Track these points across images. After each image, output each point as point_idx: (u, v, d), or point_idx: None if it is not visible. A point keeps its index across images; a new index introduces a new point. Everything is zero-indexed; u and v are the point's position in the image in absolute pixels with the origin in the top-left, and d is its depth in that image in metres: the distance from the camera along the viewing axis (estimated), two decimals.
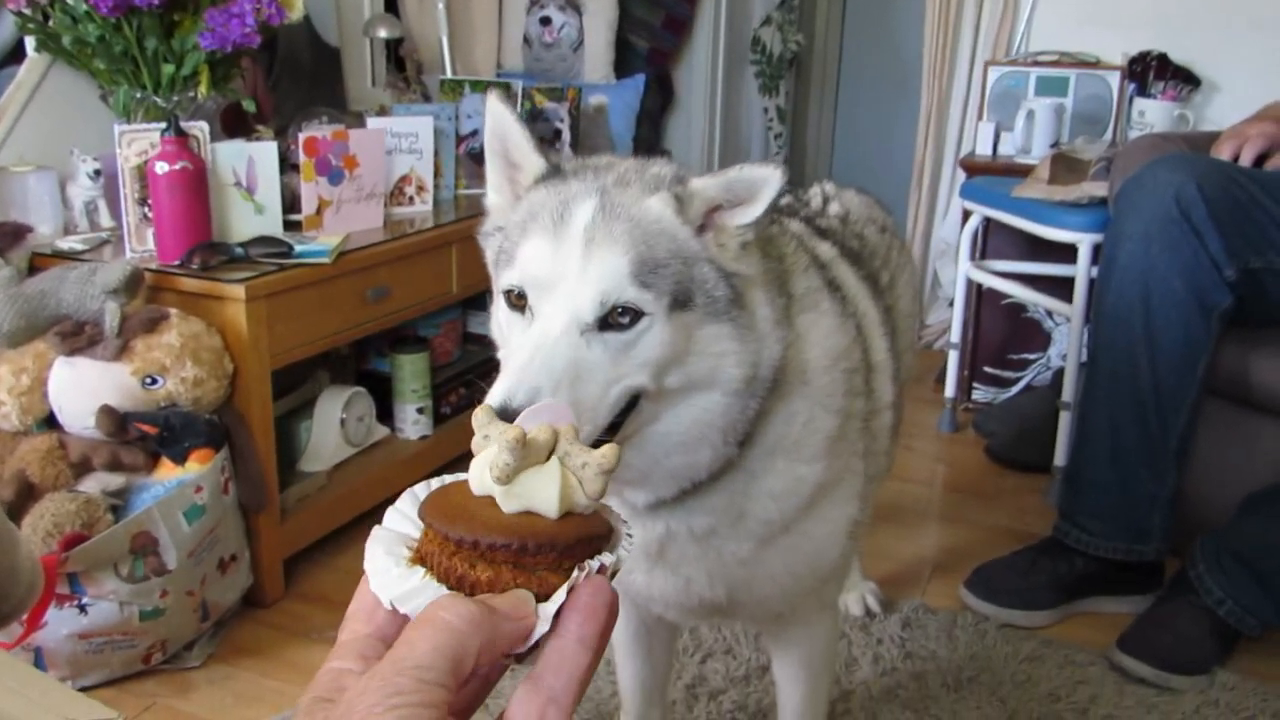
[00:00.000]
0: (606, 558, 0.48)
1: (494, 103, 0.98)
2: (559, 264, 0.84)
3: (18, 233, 1.92)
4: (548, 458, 0.47)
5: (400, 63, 3.24)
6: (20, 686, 0.80)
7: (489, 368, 2.71)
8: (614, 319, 0.83)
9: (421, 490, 0.51)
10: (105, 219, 2.15)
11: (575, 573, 0.46)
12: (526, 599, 0.44)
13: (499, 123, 0.98)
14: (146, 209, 1.97)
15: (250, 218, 2.10)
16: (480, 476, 0.47)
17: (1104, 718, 1.69)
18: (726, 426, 0.92)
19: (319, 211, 2.20)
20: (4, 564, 0.86)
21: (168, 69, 2.10)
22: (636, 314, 0.83)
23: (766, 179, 0.86)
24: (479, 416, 0.49)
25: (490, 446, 0.47)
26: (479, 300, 2.77)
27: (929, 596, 2.05)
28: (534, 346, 0.80)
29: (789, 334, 0.95)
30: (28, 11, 2.08)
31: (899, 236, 1.59)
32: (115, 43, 2.05)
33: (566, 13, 3.56)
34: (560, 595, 0.45)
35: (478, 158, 2.80)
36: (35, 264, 1.96)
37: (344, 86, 3.01)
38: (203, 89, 2.15)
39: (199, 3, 2.11)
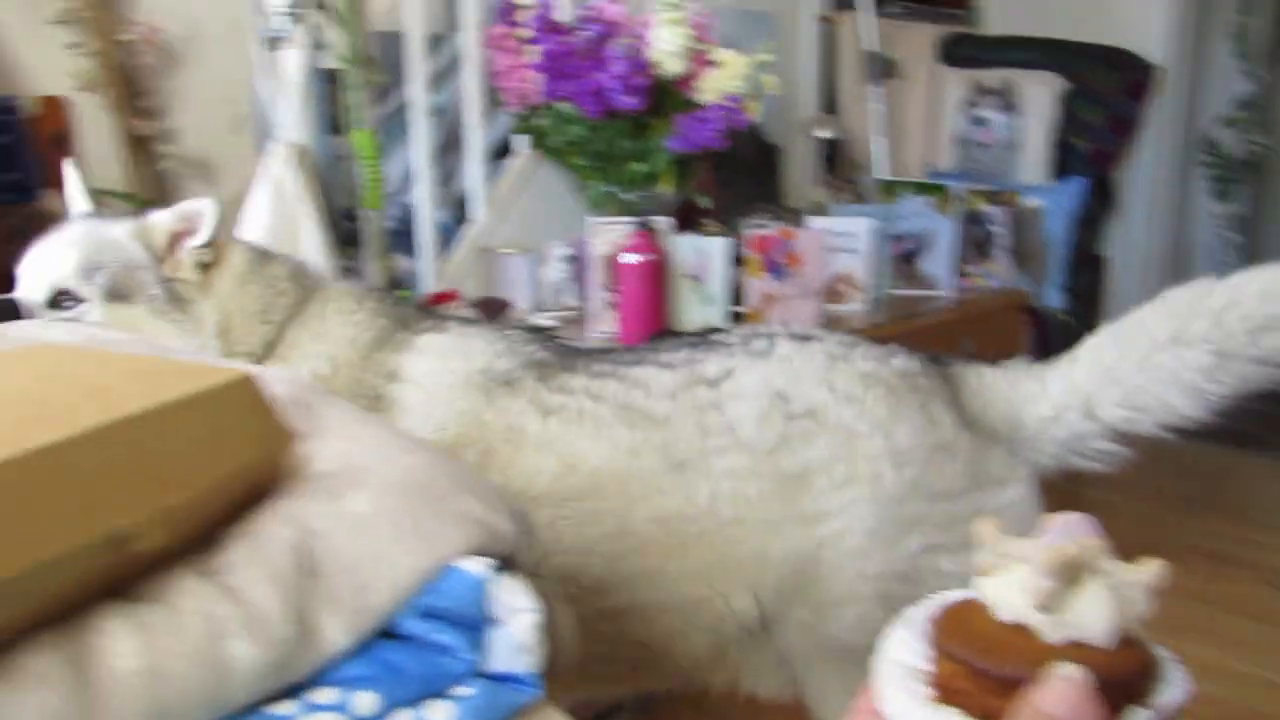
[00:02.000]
0: (1174, 692, 0.42)
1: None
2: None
3: (502, 307, 2.13)
4: (1081, 577, 0.43)
5: (833, 161, 3.30)
6: None
7: None
8: (60, 302, 1.17)
9: (918, 613, 0.47)
10: (570, 298, 2.34)
11: (1141, 713, 0.41)
12: (1079, 674, 0.40)
13: None
14: (608, 294, 2.12)
15: (698, 307, 2.20)
16: (1009, 601, 0.43)
17: None
18: None
19: (762, 305, 2.27)
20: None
21: (635, 167, 2.26)
22: (78, 299, 1.16)
23: (202, 211, 1.18)
24: (986, 534, 0.46)
25: (1012, 568, 0.43)
26: None
27: None
28: None
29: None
30: (523, 113, 2.33)
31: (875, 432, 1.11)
32: (594, 142, 2.25)
33: (1003, 112, 3.49)
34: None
35: (909, 258, 2.79)
36: None
37: (782, 182, 3.12)
38: (664, 186, 2.30)
39: (669, 108, 2.27)
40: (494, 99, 2.34)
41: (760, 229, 2.33)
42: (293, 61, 1.91)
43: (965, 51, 3.67)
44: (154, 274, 1.17)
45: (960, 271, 2.84)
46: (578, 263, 2.30)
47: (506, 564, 0.74)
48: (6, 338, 0.81)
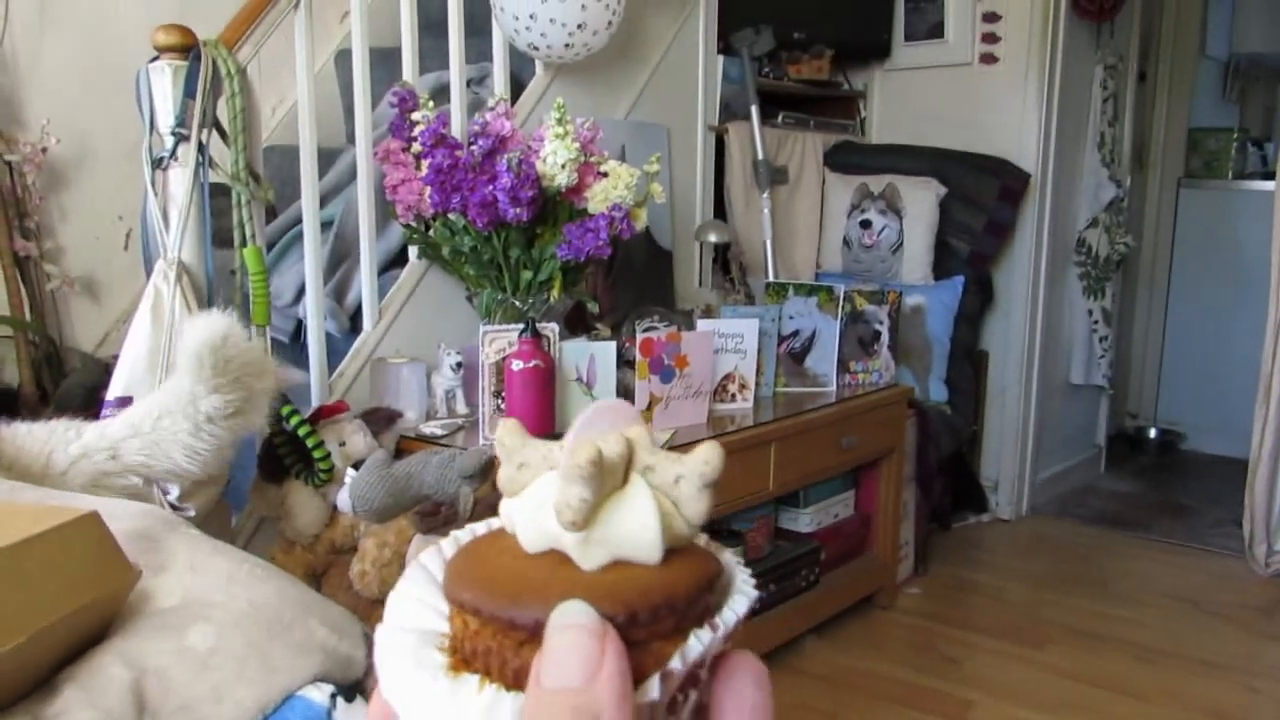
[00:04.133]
0: (738, 605, 0.34)
1: None
2: None
3: (391, 418, 2.15)
4: (625, 478, 0.34)
5: (726, 264, 3.41)
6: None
7: (799, 564, 2.71)
8: None
9: (433, 561, 0.36)
10: (461, 406, 2.37)
11: (701, 634, 0.32)
12: (582, 617, 0.30)
13: None
14: (500, 401, 2.16)
15: None
16: (535, 524, 0.33)
17: None
18: None
19: (650, 407, 2.33)
20: None
21: (526, 275, 2.32)
22: None
23: None
24: (506, 439, 0.35)
25: (536, 482, 0.34)
26: (793, 498, 2.79)
27: None
28: None
29: None
30: (414, 225, 2.39)
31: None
32: (484, 252, 2.31)
33: (887, 216, 3.65)
34: (678, 663, 0.31)
35: (798, 357, 2.88)
36: (401, 446, 2.18)
37: (673, 285, 3.21)
38: (555, 292, 2.36)
39: (558, 217, 2.34)
40: (387, 210, 2.39)
41: (649, 332, 2.40)
42: (179, 179, 1.94)
43: (851, 159, 3.85)
44: None
45: (846, 369, 2.94)
46: (468, 370, 2.34)
47: (355, 689, 0.77)
48: None
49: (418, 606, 0.34)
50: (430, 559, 0.36)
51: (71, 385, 2.26)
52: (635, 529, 0.32)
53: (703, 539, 0.36)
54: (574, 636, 0.29)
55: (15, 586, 0.56)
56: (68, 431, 1.41)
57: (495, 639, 0.32)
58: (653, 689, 0.30)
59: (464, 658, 0.33)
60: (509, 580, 0.32)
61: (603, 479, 0.32)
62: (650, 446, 0.34)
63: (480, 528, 0.37)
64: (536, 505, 0.33)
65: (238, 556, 0.79)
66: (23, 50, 2.35)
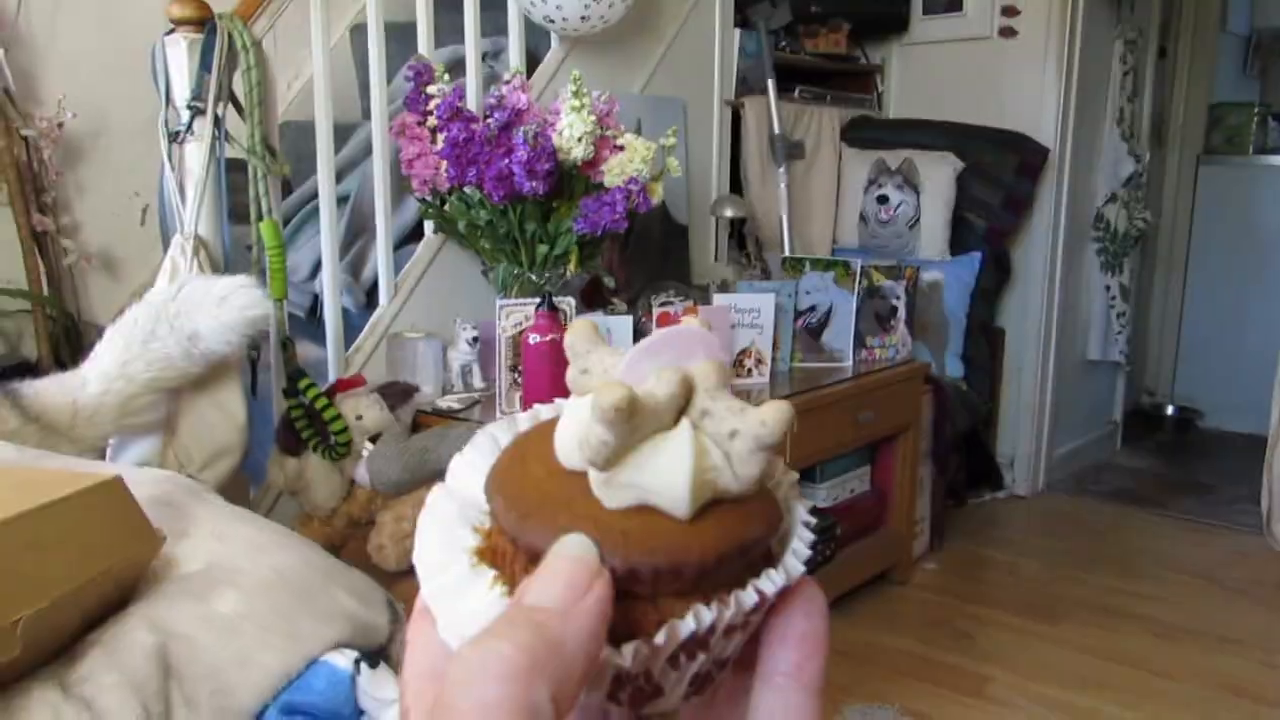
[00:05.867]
0: (768, 582, 0.31)
1: None
2: None
3: (407, 392, 2.15)
4: (676, 420, 0.31)
5: (742, 239, 3.40)
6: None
7: (815, 539, 2.70)
8: None
9: (504, 432, 0.34)
10: (477, 380, 2.37)
11: (707, 610, 0.30)
12: (580, 550, 0.29)
13: None
14: (516, 375, 2.16)
15: None
16: (570, 442, 0.30)
17: None
18: None
19: None
20: None
21: (542, 249, 2.32)
22: None
23: None
24: (574, 341, 0.33)
25: (587, 395, 0.30)
26: (809, 473, 2.79)
27: None
28: None
29: None
30: (430, 199, 2.38)
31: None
32: (500, 226, 2.30)
33: (904, 191, 3.62)
34: (675, 635, 0.29)
35: (814, 332, 2.87)
36: (418, 420, 2.18)
37: (689, 260, 3.20)
38: (571, 266, 2.36)
39: (574, 191, 2.33)
40: (403, 184, 2.39)
41: (666, 306, 2.40)
42: (195, 154, 1.94)
43: (868, 133, 3.82)
44: None
45: (862, 344, 2.93)
46: (484, 345, 2.33)
47: (378, 655, 0.77)
48: None
49: (473, 475, 0.33)
50: (501, 430, 0.34)
51: None
52: (664, 480, 0.29)
53: (790, 479, 0.34)
54: (566, 565, 0.28)
55: (38, 551, 0.56)
56: (73, 379, 1.50)
57: (511, 546, 0.31)
58: (626, 655, 0.29)
59: (491, 548, 0.31)
60: (529, 496, 0.31)
61: (633, 424, 0.29)
62: (714, 389, 0.31)
63: (550, 412, 0.34)
64: (575, 421, 0.30)
65: (260, 524, 0.79)
66: (39, 25, 2.34)
